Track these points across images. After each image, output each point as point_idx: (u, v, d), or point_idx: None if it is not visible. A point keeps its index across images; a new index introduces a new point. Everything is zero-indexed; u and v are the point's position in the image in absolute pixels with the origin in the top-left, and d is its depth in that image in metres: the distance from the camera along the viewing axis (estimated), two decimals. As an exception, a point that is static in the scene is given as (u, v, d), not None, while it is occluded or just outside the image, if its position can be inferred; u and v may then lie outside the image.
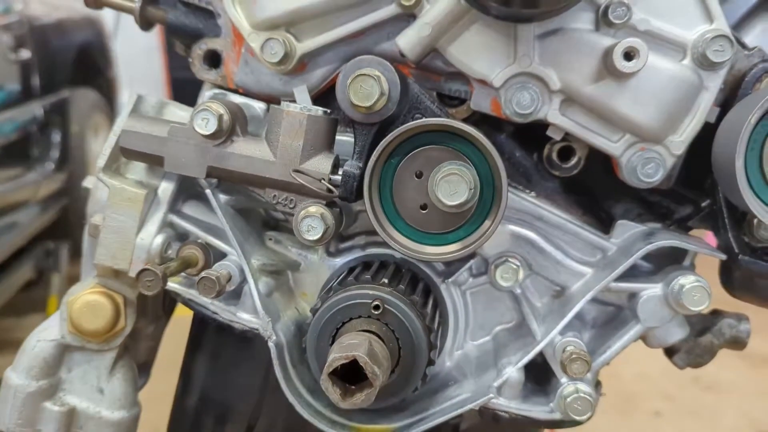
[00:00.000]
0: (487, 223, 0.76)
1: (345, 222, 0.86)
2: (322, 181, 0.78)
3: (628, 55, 0.75)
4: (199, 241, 0.87)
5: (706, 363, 0.93)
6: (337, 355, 0.69)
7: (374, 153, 0.74)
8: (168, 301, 1.05)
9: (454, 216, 0.75)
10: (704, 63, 0.79)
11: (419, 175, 0.76)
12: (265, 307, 0.84)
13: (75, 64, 4.72)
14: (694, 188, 0.88)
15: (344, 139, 0.85)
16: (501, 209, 0.74)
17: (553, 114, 0.82)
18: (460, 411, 0.85)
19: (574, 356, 0.81)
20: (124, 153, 0.83)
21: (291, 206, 0.80)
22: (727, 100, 0.82)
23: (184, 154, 0.80)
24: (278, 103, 0.82)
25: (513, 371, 0.85)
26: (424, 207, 0.76)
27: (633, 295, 0.87)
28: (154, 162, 0.83)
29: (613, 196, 0.91)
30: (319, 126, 0.79)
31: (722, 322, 0.92)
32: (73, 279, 4.16)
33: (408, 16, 0.81)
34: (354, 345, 0.71)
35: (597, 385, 0.91)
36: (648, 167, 0.82)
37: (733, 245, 0.82)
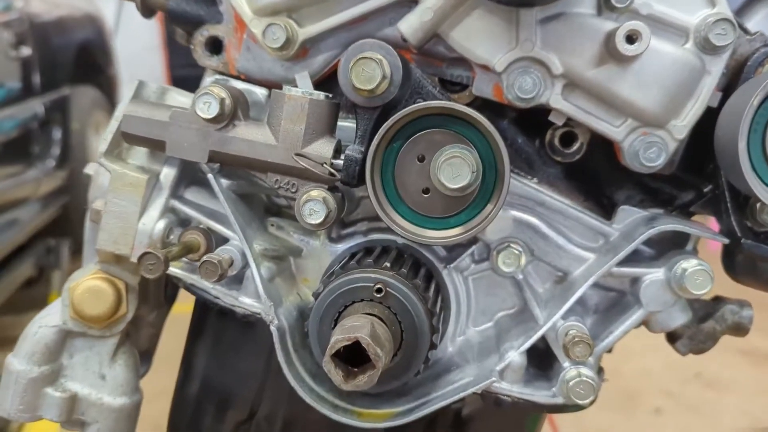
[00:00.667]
0: (489, 207, 0.76)
1: (347, 207, 0.86)
2: (324, 165, 0.78)
3: (631, 39, 0.76)
4: (201, 226, 0.87)
5: (708, 349, 0.93)
6: (339, 337, 0.69)
7: (376, 137, 0.74)
8: (169, 289, 1.05)
9: (457, 200, 0.75)
10: (706, 47, 0.79)
11: (421, 159, 0.76)
12: (267, 291, 0.84)
13: (76, 61, 4.73)
14: (697, 173, 0.88)
15: (346, 124, 0.85)
16: (503, 193, 0.74)
17: (555, 99, 0.82)
18: (462, 395, 0.85)
19: (576, 339, 0.81)
20: (125, 138, 0.83)
21: (293, 190, 0.80)
22: (729, 85, 0.82)
23: (186, 139, 0.80)
24: (280, 88, 0.82)
25: (515, 355, 0.85)
26: (426, 191, 0.76)
27: (635, 280, 0.87)
28: (156, 147, 0.83)
29: (616, 181, 0.91)
30: (320, 110, 0.79)
31: (724, 308, 0.92)
32: (73, 276, 4.18)
33: (410, 2, 0.81)
34: (356, 327, 0.71)
35: (600, 371, 0.91)
36: (650, 152, 0.82)
37: (735, 229, 0.82)
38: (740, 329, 0.92)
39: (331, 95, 0.81)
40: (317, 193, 0.79)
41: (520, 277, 0.90)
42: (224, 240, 0.87)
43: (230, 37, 0.89)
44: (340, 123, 0.83)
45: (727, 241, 0.84)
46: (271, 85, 0.88)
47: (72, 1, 4.98)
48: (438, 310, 0.84)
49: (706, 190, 0.89)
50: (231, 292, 0.87)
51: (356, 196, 0.90)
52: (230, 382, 0.97)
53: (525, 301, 0.91)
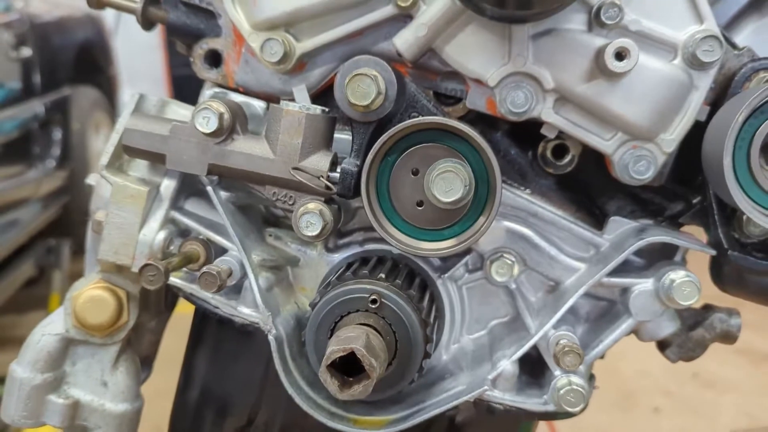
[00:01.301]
0: (481, 219, 0.77)
1: (343, 218, 0.88)
2: (321, 178, 0.80)
3: (620, 55, 0.77)
4: (201, 237, 0.89)
5: (698, 356, 0.95)
6: (335, 348, 0.71)
7: (371, 151, 0.76)
8: (170, 297, 1.07)
9: (450, 212, 0.77)
10: (694, 63, 0.81)
11: (415, 173, 0.77)
12: (265, 301, 0.85)
13: (76, 61, 4.73)
14: (685, 185, 0.90)
15: (342, 137, 0.87)
16: (495, 206, 0.76)
17: (547, 112, 0.83)
18: (455, 403, 0.87)
19: (567, 349, 0.83)
20: (126, 151, 0.85)
21: (290, 203, 0.82)
22: (717, 99, 0.84)
23: (186, 152, 0.82)
24: (278, 101, 0.83)
25: (507, 364, 0.87)
26: (420, 204, 0.78)
27: (625, 290, 0.89)
28: (156, 159, 0.84)
29: (606, 193, 0.93)
30: (317, 124, 0.81)
31: (713, 316, 0.94)
32: (74, 276, 4.18)
33: (405, 17, 0.83)
34: (352, 338, 0.73)
35: (590, 378, 0.92)
36: (639, 165, 0.83)
37: (722, 241, 0.84)
38: (729, 337, 0.94)
39: (327, 109, 0.82)
40: (314, 205, 0.80)
41: (513, 286, 0.91)
42: (223, 250, 0.89)
43: (229, 50, 0.90)
44: (336, 135, 0.85)
45: (714, 252, 0.85)
46: (269, 97, 0.90)
47: (72, 1, 4.99)
48: (432, 319, 0.86)
49: (694, 201, 0.90)
50: (230, 302, 0.89)
51: (352, 207, 0.91)
52: (229, 390, 0.98)
53: (517, 310, 0.92)
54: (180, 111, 0.92)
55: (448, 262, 0.93)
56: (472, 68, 0.83)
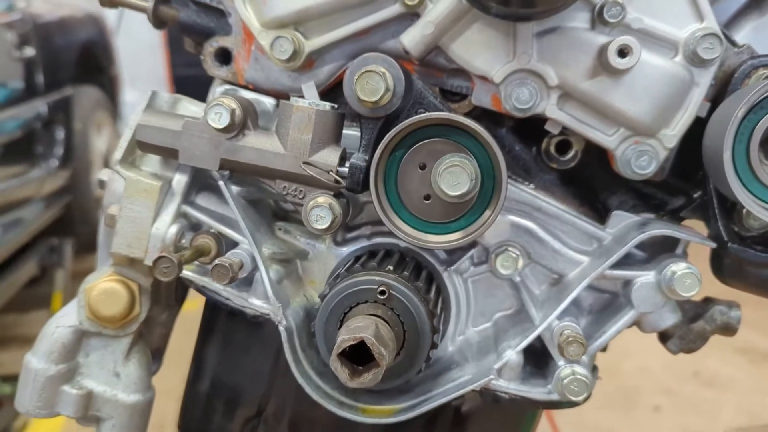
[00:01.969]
0: (487, 212, 0.79)
1: (351, 212, 0.89)
2: (330, 172, 0.81)
3: (622, 53, 0.79)
4: (212, 230, 0.91)
5: (698, 348, 0.97)
6: (345, 337, 0.73)
7: (380, 146, 0.77)
8: (179, 291, 1.09)
9: (456, 206, 0.78)
10: (695, 60, 0.82)
11: (423, 167, 0.79)
12: (275, 293, 0.87)
13: (78, 61, 4.74)
14: (687, 180, 0.91)
15: (351, 132, 0.88)
16: (501, 199, 0.77)
17: (551, 109, 0.85)
18: (461, 392, 0.88)
19: (570, 339, 0.85)
20: (140, 146, 0.87)
21: (300, 197, 0.84)
22: (717, 96, 0.86)
23: (198, 147, 0.84)
24: (287, 98, 0.85)
25: (512, 354, 0.88)
26: (427, 197, 0.79)
27: (627, 282, 0.90)
28: (169, 155, 0.86)
29: (609, 187, 0.94)
30: (327, 120, 0.82)
31: (714, 309, 0.96)
32: (77, 275, 4.21)
33: (412, 15, 0.85)
34: (361, 327, 0.74)
35: (594, 369, 0.94)
36: (642, 160, 0.85)
37: (723, 234, 0.86)
38: (729, 329, 0.96)
39: (336, 105, 0.84)
40: (323, 199, 0.82)
41: (518, 279, 0.93)
42: (234, 244, 0.91)
43: (239, 48, 0.92)
44: (345, 131, 0.87)
45: (714, 245, 0.87)
46: (279, 94, 0.91)
47: (74, 1, 5.00)
48: (439, 311, 0.88)
49: (695, 196, 0.92)
50: (241, 293, 0.90)
51: (360, 202, 0.93)
52: (239, 381, 1.00)
53: (522, 303, 0.94)
54: (191, 107, 0.93)
55: (453, 255, 0.95)
56: (478, 65, 0.84)
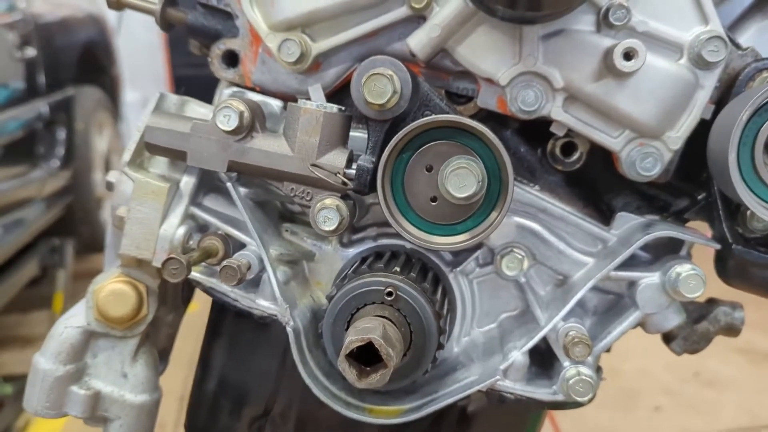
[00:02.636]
0: (493, 214, 0.80)
1: (358, 214, 0.90)
2: (338, 174, 0.82)
3: (628, 55, 0.79)
4: (220, 232, 0.91)
5: (702, 349, 0.97)
6: (353, 338, 0.73)
7: (387, 148, 0.78)
8: (185, 292, 1.09)
9: (463, 208, 0.79)
10: (700, 63, 0.83)
11: (429, 169, 0.79)
12: (283, 294, 0.88)
13: (79, 62, 4.75)
14: (691, 182, 0.92)
15: (358, 135, 0.89)
16: (507, 201, 0.78)
17: (556, 111, 0.86)
18: (467, 392, 0.89)
19: (576, 340, 0.86)
20: (148, 148, 0.87)
21: (308, 199, 0.84)
22: (721, 98, 0.86)
23: (206, 149, 0.84)
24: (294, 100, 0.85)
25: (518, 355, 0.89)
26: (434, 199, 0.80)
27: (632, 283, 0.91)
28: (177, 157, 0.87)
29: (614, 189, 0.95)
30: (334, 122, 0.83)
31: (718, 309, 0.96)
32: (78, 275, 4.21)
33: (418, 18, 0.85)
34: (369, 329, 0.75)
35: (598, 370, 0.95)
36: (646, 161, 0.86)
37: (727, 235, 0.86)
38: (732, 330, 0.96)
39: (343, 108, 0.84)
40: (331, 201, 0.82)
41: (523, 280, 0.94)
42: (241, 245, 0.91)
43: (246, 50, 0.92)
44: (352, 133, 0.87)
45: (718, 246, 0.87)
46: (286, 97, 0.92)
47: (75, 1, 5.01)
48: (445, 312, 0.88)
49: (699, 197, 0.92)
50: (249, 294, 0.91)
51: (367, 203, 0.94)
52: (246, 380, 1.00)
53: (527, 304, 0.94)
54: (199, 110, 0.94)
55: (459, 256, 0.95)
56: (484, 68, 0.85)
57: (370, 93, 0.78)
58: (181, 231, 0.90)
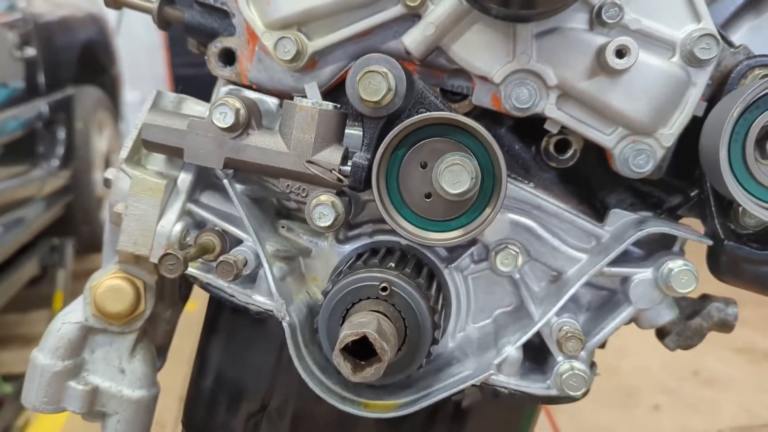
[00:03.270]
0: (487, 210, 0.80)
1: (353, 210, 0.90)
2: (333, 171, 0.83)
3: (620, 53, 0.80)
4: (216, 228, 0.92)
5: (696, 345, 0.98)
6: (348, 332, 0.74)
7: (382, 145, 0.79)
8: (183, 288, 1.10)
9: (457, 204, 0.80)
10: (692, 60, 0.83)
11: (424, 166, 0.80)
12: (279, 289, 0.88)
13: (79, 61, 4.76)
14: (684, 179, 0.92)
15: (353, 132, 0.90)
16: (501, 197, 0.79)
17: (550, 108, 0.86)
18: (462, 387, 0.90)
19: (569, 335, 0.86)
20: (145, 145, 0.88)
21: (303, 195, 0.85)
22: (714, 95, 0.87)
23: (203, 146, 0.85)
24: (290, 98, 0.86)
25: (512, 350, 0.90)
26: (428, 195, 0.81)
27: (625, 279, 0.92)
28: (174, 153, 0.87)
29: (607, 186, 0.95)
30: (329, 120, 0.84)
31: (711, 305, 0.97)
32: (78, 275, 4.22)
33: (413, 17, 0.86)
34: (364, 323, 0.76)
35: (592, 365, 0.95)
36: (639, 158, 0.86)
37: (719, 232, 0.87)
38: (725, 326, 0.97)
39: (339, 105, 0.85)
40: (326, 197, 0.83)
41: (517, 276, 0.94)
42: (238, 241, 0.92)
43: (242, 48, 0.93)
44: (347, 131, 0.88)
45: (711, 242, 0.88)
46: (282, 94, 0.93)
47: (74, 1, 5.02)
48: (439, 307, 0.89)
49: (692, 194, 0.93)
50: (245, 290, 0.92)
51: (362, 200, 0.94)
52: (243, 376, 1.01)
53: (521, 299, 0.95)
54: (196, 107, 0.95)
55: (454, 252, 0.96)
56: (478, 66, 0.85)
57: (365, 90, 0.79)
58: (178, 227, 0.90)
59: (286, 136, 0.84)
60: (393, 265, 0.87)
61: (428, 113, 0.79)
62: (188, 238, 0.92)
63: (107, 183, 0.98)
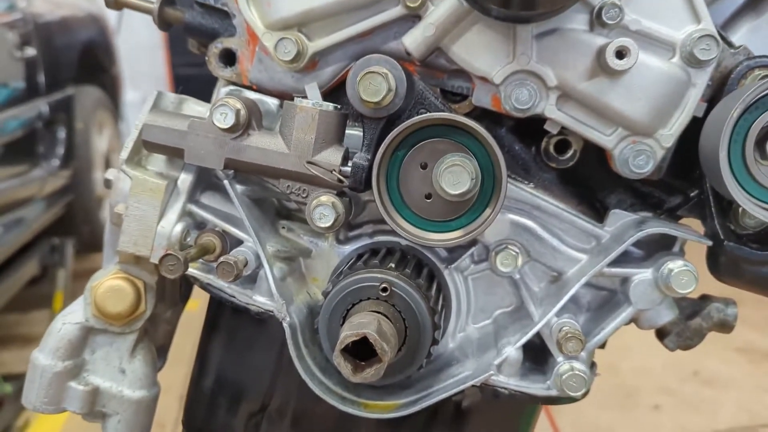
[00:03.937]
0: (487, 211, 0.81)
1: (354, 211, 0.91)
2: (333, 172, 0.83)
3: (620, 54, 0.80)
4: (217, 229, 0.92)
5: (696, 345, 0.98)
6: (348, 333, 0.74)
7: (382, 145, 0.79)
8: (183, 289, 1.10)
9: (457, 204, 0.80)
10: (692, 61, 0.83)
11: (424, 167, 0.80)
12: (279, 290, 0.88)
13: (79, 61, 4.76)
14: (684, 179, 0.93)
15: (353, 132, 0.90)
16: (501, 198, 0.79)
17: (550, 109, 0.86)
18: (462, 387, 0.90)
19: (569, 335, 0.87)
20: (146, 146, 0.88)
21: (304, 196, 0.85)
22: (714, 96, 0.87)
23: (203, 147, 0.85)
24: (291, 99, 0.86)
25: (512, 350, 0.90)
26: (428, 196, 0.81)
27: (625, 280, 0.92)
28: (175, 154, 0.87)
29: (607, 186, 0.95)
30: (330, 120, 0.84)
31: (710, 306, 0.97)
32: (78, 275, 4.23)
33: (413, 17, 0.86)
34: (364, 324, 0.76)
35: (592, 366, 0.95)
36: (639, 159, 0.86)
37: (719, 232, 0.87)
38: (725, 326, 0.97)
39: (339, 106, 0.85)
40: (327, 198, 0.83)
41: (517, 276, 0.94)
42: (238, 242, 0.92)
43: (243, 49, 0.93)
44: (347, 131, 0.88)
45: (710, 243, 0.88)
46: (282, 95, 0.93)
47: (75, 1, 5.02)
48: (440, 308, 0.89)
49: (692, 195, 0.93)
50: (245, 291, 0.92)
51: (362, 201, 0.94)
52: (243, 377, 1.01)
53: (521, 300, 0.95)
54: (197, 108, 0.95)
55: (454, 253, 0.96)
56: (478, 66, 0.85)
57: (365, 91, 0.79)
58: (179, 228, 0.90)
59: (286, 137, 0.84)
60: (393, 265, 0.87)
61: (428, 114, 0.79)
62: (189, 239, 0.92)
63: (108, 184, 0.98)
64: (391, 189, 0.82)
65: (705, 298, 0.99)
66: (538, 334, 0.91)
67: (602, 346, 0.96)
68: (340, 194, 0.85)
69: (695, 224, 0.96)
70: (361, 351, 0.75)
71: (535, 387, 0.92)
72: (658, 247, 0.94)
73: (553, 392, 0.91)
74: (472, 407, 0.98)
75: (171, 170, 0.92)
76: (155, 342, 1.04)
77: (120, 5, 0.98)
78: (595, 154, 0.92)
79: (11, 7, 3.92)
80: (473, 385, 0.91)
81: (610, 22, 0.81)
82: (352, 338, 0.74)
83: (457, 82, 0.91)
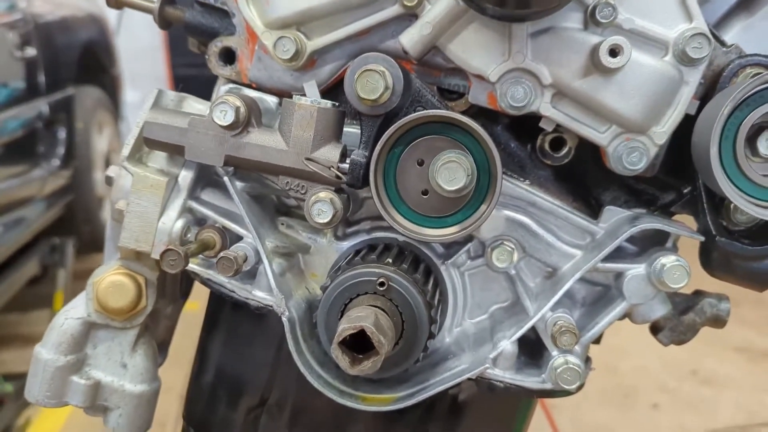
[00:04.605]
0: (483, 207, 0.82)
1: (352, 207, 0.92)
2: (332, 168, 0.84)
3: (613, 52, 0.81)
4: (217, 225, 0.93)
5: (689, 340, 0.99)
6: (346, 326, 0.75)
7: (379, 143, 0.80)
8: (184, 285, 1.12)
9: (453, 201, 0.81)
10: (684, 59, 0.85)
11: (421, 163, 0.81)
12: (278, 285, 0.90)
13: (79, 61, 4.77)
14: (677, 176, 0.94)
15: (351, 130, 0.91)
16: (496, 194, 0.80)
17: (545, 107, 0.87)
18: (458, 380, 0.91)
19: (563, 329, 0.88)
20: (147, 143, 0.89)
21: (302, 192, 0.86)
22: (706, 94, 0.88)
23: (204, 144, 0.86)
24: (290, 96, 0.87)
25: (507, 344, 0.91)
26: (425, 192, 0.82)
27: (619, 275, 0.93)
28: (175, 151, 0.88)
29: (602, 183, 0.96)
30: (328, 118, 0.85)
31: (704, 301, 0.98)
32: (78, 274, 4.23)
33: (410, 16, 0.87)
34: (361, 317, 0.77)
35: (587, 360, 0.97)
36: (633, 156, 0.88)
37: (711, 228, 0.88)
38: (718, 321, 0.98)
39: (337, 103, 0.86)
40: (325, 194, 0.84)
41: (513, 272, 0.95)
42: (238, 238, 0.93)
43: (242, 48, 0.94)
44: (345, 129, 0.89)
45: (703, 238, 0.89)
46: (281, 93, 0.94)
47: (75, 1, 5.03)
48: (436, 302, 0.90)
49: (685, 191, 0.94)
50: (245, 286, 0.93)
51: (360, 197, 0.96)
52: (243, 371, 1.02)
53: (517, 295, 0.96)
54: (197, 105, 0.96)
55: (451, 249, 0.97)
56: (474, 65, 0.87)
57: (362, 89, 0.80)
58: (179, 224, 0.92)
59: (285, 134, 0.85)
60: (390, 261, 0.88)
61: (425, 111, 0.81)
62: (189, 235, 0.93)
63: (109, 181, 0.99)
64: (388, 185, 0.83)
65: (698, 294, 1.00)
66: (533, 329, 0.92)
67: (597, 340, 0.97)
68: (338, 191, 0.86)
69: (688, 220, 0.97)
70: (359, 344, 0.77)
71: (530, 380, 0.93)
72: (652, 243, 0.95)
73: (548, 385, 0.92)
74: (468, 401, 0.99)
75: (172, 167, 0.93)
76: (156, 337, 1.05)
77: (121, 4, 0.99)
78: (590, 152, 0.93)
79: (11, 8, 3.92)
80: (469, 379, 0.92)
81: (603, 20, 0.82)
82: (350, 331, 0.75)
83: (454, 80, 0.92)
